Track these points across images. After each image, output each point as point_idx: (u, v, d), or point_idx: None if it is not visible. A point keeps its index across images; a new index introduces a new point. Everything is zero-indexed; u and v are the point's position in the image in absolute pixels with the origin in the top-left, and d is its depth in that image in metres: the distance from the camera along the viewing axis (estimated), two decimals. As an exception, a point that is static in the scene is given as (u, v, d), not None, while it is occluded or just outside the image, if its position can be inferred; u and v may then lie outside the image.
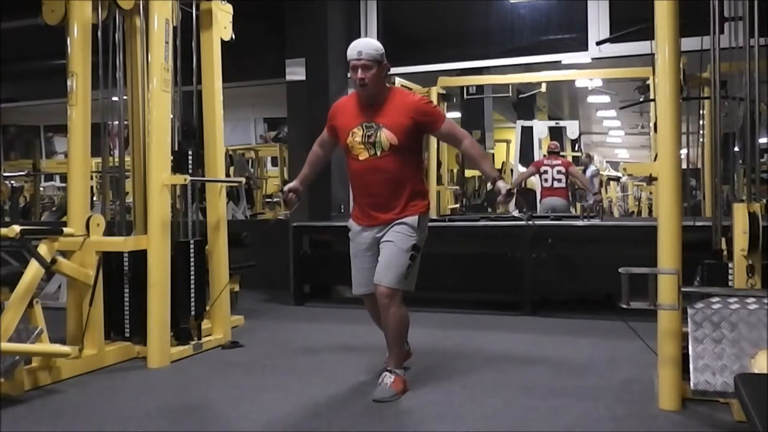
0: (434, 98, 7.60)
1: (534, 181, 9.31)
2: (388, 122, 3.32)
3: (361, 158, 3.38)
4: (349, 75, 3.46)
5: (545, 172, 8.37)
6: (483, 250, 5.81)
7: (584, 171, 10.36)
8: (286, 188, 3.69)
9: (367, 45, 3.35)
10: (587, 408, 3.14)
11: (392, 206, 3.36)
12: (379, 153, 3.34)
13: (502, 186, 3.36)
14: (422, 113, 3.37)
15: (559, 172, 8.30)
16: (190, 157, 4.39)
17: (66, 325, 4.00)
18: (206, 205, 4.76)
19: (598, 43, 5.57)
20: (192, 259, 4.37)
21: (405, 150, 3.35)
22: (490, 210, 10.63)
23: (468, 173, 11.91)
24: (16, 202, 10.26)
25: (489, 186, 11.65)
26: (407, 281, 3.34)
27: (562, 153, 9.60)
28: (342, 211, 6.61)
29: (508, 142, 12.16)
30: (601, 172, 13.99)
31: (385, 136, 3.31)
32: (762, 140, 3.95)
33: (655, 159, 3.14)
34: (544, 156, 9.29)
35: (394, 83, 6.37)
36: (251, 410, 3.19)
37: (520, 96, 11.09)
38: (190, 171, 4.37)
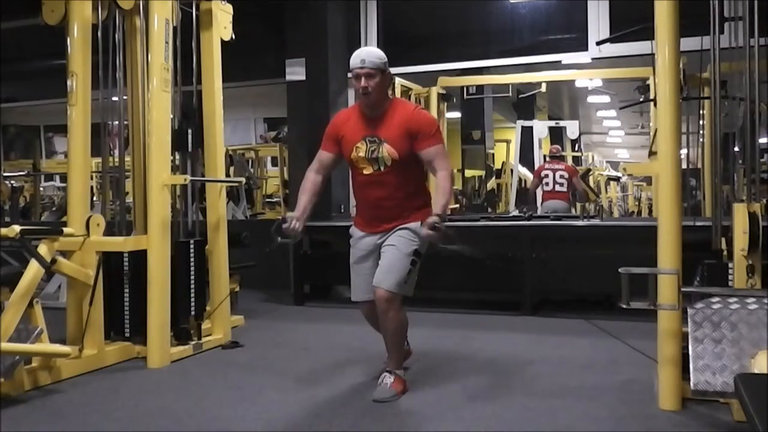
0: (434, 98, 7.60)
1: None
2: (389, 136, 3.27)
3: (365, 173, 3.34)
4: (349, 75, 3.44)
5: (546, 176, 8.37)
6: (483, 250, 5.80)
7: None
8: (289, 216, 3.32)
9: (370, 53, 3.29)
10: (587, 408, 3.14)
11: (396, 217, 3.33)
12: (382, 168, 3.29)
13: (430, 219, 3.07)
14: (415, 123, 3.27)
15: (561, 176, 8.30)
16: (189, 136, 4.42)
17: (66, 325, 4.00)
18: (206, 205, 4.76)
19: (598, 43, 5.57)
20: (192, 259, 4.37)
21: (408, 163, 3.29)
22: (489, 210, 10.63)
23: (468, 173, 11.91)
24: (16, 202, 10.24)
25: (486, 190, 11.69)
26: (407, 286, 3.30)
27: (561, 153, 9.59)
28: (342, 211, 6.61)
29: (508, 142, 12.16)
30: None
31: (387, 151, 3.26)
32: (762, 140, 3.93)
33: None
34: (545, 158, 9.29)
35: (394, 83, 6.38)
36: (251, 410, 3.20)
37: (520, 96, 11.10)
38: (190, 150, 4.38)
